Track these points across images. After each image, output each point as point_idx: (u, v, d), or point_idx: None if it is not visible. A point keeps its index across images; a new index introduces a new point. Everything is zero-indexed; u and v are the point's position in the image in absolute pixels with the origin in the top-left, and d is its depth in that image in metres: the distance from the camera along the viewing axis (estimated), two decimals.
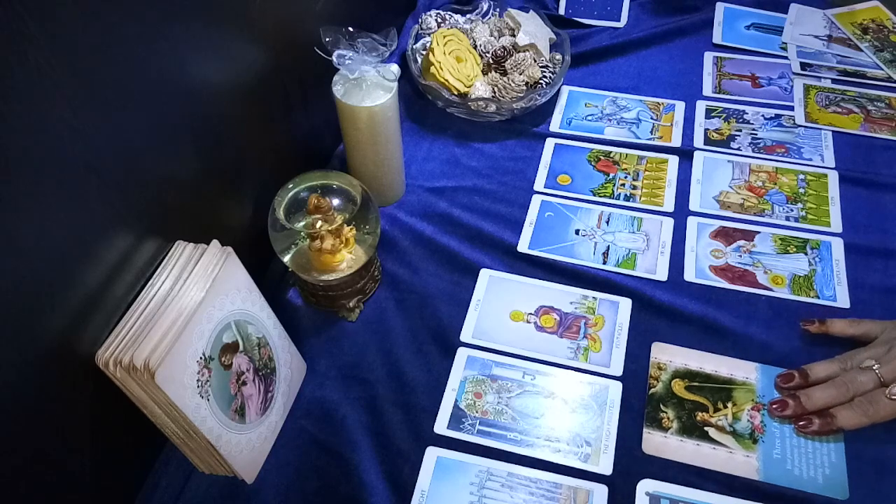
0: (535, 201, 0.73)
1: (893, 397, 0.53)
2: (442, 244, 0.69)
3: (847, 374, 0.56)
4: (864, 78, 0.84)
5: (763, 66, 0.87)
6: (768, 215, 0.70)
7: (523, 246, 0.68)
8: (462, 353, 0.60)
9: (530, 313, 0.63)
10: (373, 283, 0.65)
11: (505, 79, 0.78)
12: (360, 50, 0.60)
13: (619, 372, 0.59)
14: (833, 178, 0.73)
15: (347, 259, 0.61)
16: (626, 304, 0.63)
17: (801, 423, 0.55)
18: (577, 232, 0.70)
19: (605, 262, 0.66)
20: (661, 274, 0.65)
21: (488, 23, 0.85)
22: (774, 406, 0.56)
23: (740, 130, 0.79)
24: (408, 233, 0.70)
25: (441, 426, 0.56)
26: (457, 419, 0.56)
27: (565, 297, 0.64)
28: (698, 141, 0.78)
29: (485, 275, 0.66)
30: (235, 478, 0.53)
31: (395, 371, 0.60)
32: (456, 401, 0.58)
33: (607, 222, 0.70)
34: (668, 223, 0.70)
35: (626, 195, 0.73)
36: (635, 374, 0.59)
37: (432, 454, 0.55)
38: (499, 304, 0.64)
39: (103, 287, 0.44)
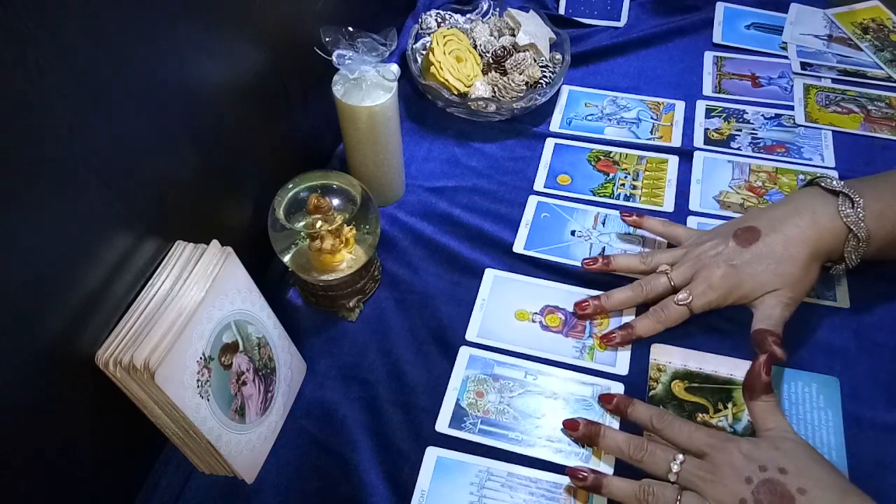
0: (532, 202, 0.73)
1: (679, 303, 0.58)
2: (442, 244, 0.69)
3: (645, 278, 0.62)
4: (864, 78, 0.84)
5: (763, 65, 0.87)
6: None
7: (518, 246, 0.68)
8: (464, 353, 0.60)
9: (535, 312, 0.63)
10: (373, 283, 0.65)
11: (505, 79, 0.78)
12: (360, 50, 0.60)
13: (625, 371, 0.59)
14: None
15: (347, 259, 0.61)
16: None
17: (604, 338, 0.61)
18: (572, 233, 0.69)
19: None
20: None
21: (488, 23, 0.85)
22: (577, 305, 0.63)
23: (740, 130, 0.79)
24: (408, 233, 0.70)
25: (443, 425, 0.56)
26: (458, 418, 0.56)
27: (570, 296, 0.64)
28: (698, 141, 0.78)
29: (490, 274, 0.66)
30: (235, 478, 0.53)
31: (396, 371, 0.60)
32: (458, 399, 0.58)
33: (603, 223, 0.70)
34: None
35: (625, 195, 0.73)
36: (636, 373, 0.59)
37: (432, 454, 0.55)
38: (504, 304, 0.64)
39: (103, 287, 0.44)
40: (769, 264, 0.57)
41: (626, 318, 0.62)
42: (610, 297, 0.62)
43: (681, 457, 0.49)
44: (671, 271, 0.60)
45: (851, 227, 0.56)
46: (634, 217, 0.66)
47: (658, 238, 0.68)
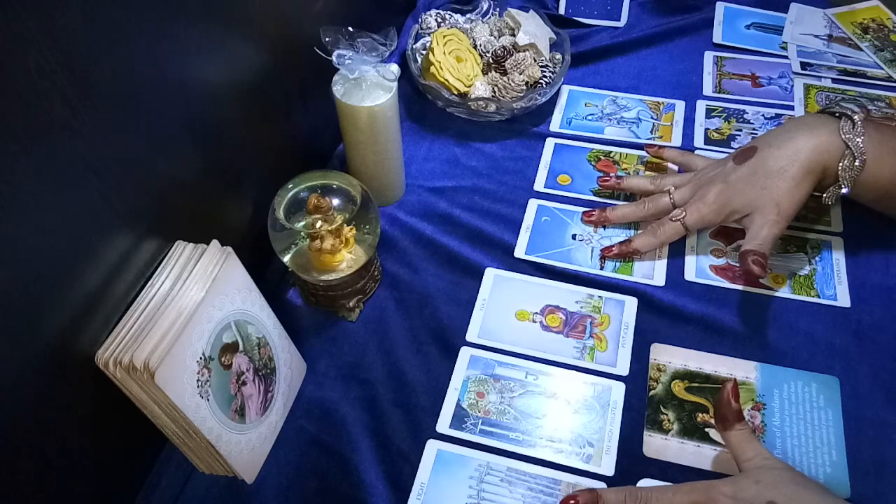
0: (532, 205, 0.72)
1: (674, 219, 0.62)
2: (442, 244, 0.69)
3: (649, 196, 0.66)
4: (864, 77, 0.84)
5: (763, 65, 0.87)
6: None
7: (520, 251, 0.68)
8: (465, 353, 0.60)
9: (536, 312, 0.63)
10: (373, 283, 0.65)
11: (505, 78, 0.78)
12: (360, 50, 0.60)
13: (625, 371, 0.59)
14: None
15: (347, 259, 0.61)
16: (631, 302, 0.63)
17: (604, 250, 0.66)
18: (573, 237, 0.69)
19: (602, 268, 0.66)
20: (659, 279, 0.65)
21: (488, 22, 0.85)
22: (584, 213, 0.69)
23: (741, 130, 0.79)
24: (408, 233, 0.70)
25: (443, 425, 0.56)
26: (459, 419, 0.56)
27: (571, 296, 0.64)
28: (698, 140, 0.78)
29: (490, 274, 0.66)
30: (235, 478, 0.53)
31: (395, 371, 0.60)
32: (458, 400, 0.58)
33: (604, 226, 0.70)
34: None
35: (625, 195, 0.72)
36: (637, 374, 0.59)
37: (432, 447, 0.55)
38: (504, 304, 0.64)
39: (103, 287, 0.44)
40: (759, 178, 0.59)
41: (624, 319, 0.62)
42: (615, 210, 0.67)
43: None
44: (674, 192, 0.64)
45: (848, 142, 0.57)
46: (656, 148, 0.72)
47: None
